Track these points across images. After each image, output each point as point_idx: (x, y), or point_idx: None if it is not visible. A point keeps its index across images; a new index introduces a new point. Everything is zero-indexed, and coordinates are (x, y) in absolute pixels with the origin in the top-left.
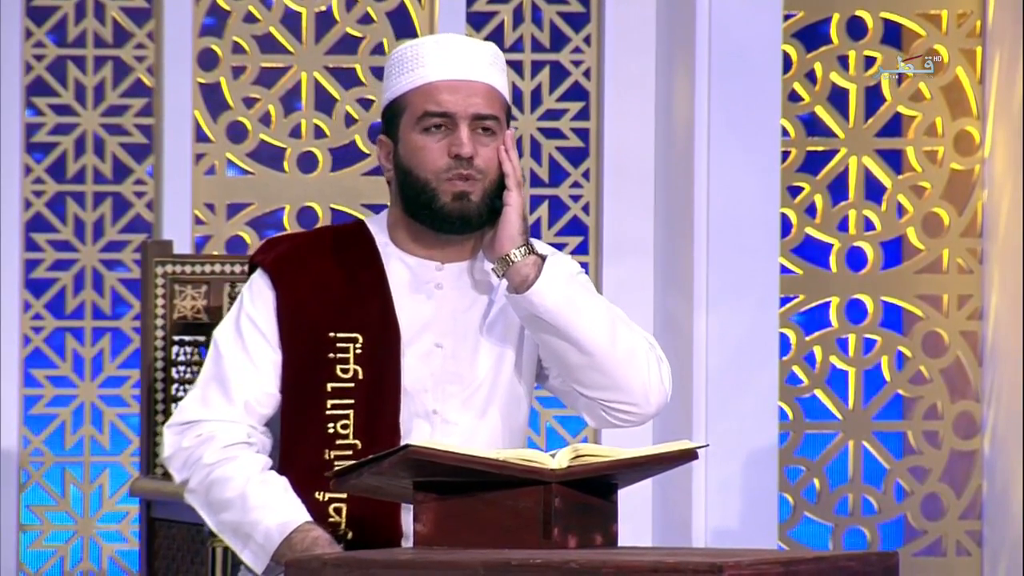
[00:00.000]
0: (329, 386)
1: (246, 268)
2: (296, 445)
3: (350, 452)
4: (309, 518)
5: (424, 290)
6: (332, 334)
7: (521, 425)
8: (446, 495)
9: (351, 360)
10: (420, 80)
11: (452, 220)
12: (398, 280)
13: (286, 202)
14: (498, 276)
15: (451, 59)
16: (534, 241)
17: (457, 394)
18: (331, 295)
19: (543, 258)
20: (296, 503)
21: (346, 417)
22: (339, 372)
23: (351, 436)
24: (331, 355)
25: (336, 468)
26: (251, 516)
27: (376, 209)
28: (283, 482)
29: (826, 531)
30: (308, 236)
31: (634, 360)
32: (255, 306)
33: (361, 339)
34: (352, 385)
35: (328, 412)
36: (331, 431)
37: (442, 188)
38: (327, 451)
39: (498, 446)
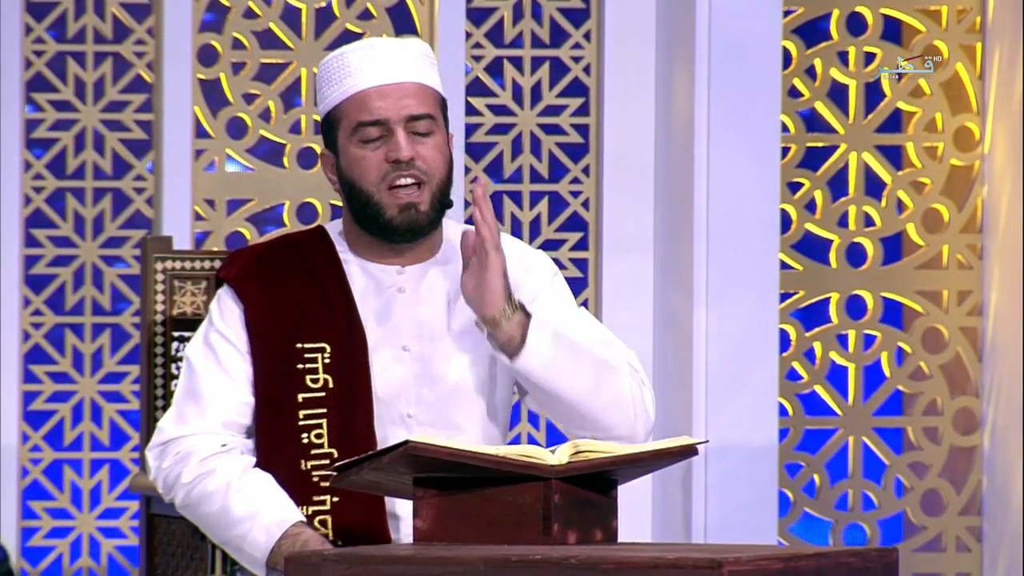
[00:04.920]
0: (300, 397)
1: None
2: (272, 458)
3: (327, 461)
4: (298, 518)
5: (386, 294)
6: (299, 345)
7: (501, 422)
8: (446, 491)
9: (320, 370)
10: (350, 89)
11: (401, 232)
12: (360, 286)
13: (286, 198)
14: (481, 331)
15: (378, 64)
16: (518, 283)
17: (429, 396)
18: (296, 306)
19: (528, 315)
20: (281, 503)
21: (320, 427)
22: (309, 382)
23: (326, 445)
24: (300, 366)
25: (317, 490)
26: (237, 530)
27: None
28: (266, 481)
29: (826, 527)
30: (271, 246)
31: (619, 403)
32: (224, 320)
33: (328, 348)
34: (323, 395)
35: (301, 423)
36: (305, 441)
37: (385, 201)
38: (303, 462)
39: (480, 444)
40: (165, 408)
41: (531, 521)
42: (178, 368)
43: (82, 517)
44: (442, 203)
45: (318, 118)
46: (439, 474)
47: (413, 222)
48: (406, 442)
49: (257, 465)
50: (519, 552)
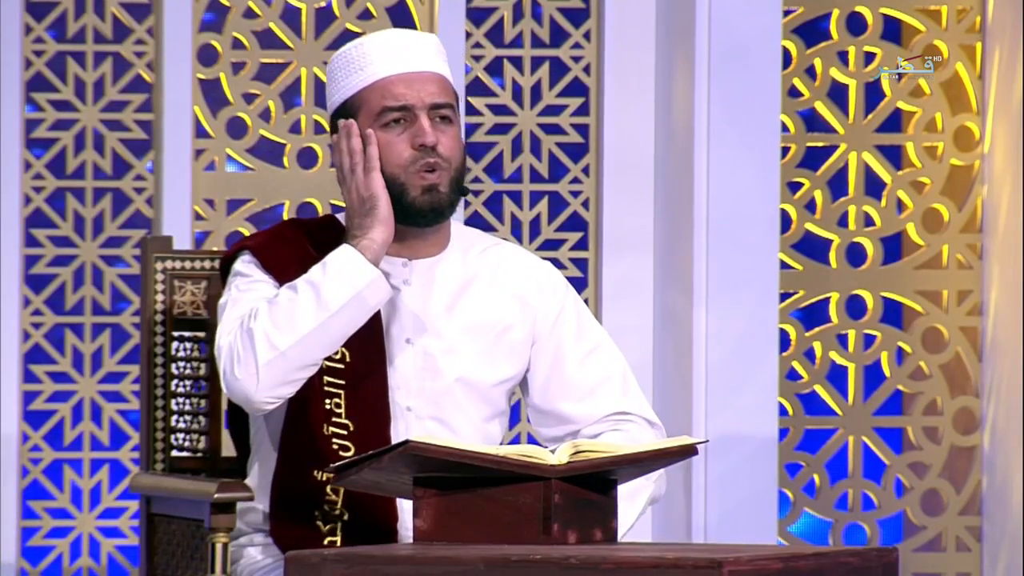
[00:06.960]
0: (323, 363)
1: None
2: (299, 417)
3: (345, 432)
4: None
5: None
6: None
7: (501, 421)
8: (446, 491)
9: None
10: (372, 77)
11: (424, 213)
12: None
13: (286, 198)
14: None
15: (399, 53)
16: (526, 298)
17: (429, 390)
18: None
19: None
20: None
21: (339, 396)
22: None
23: (344, 415)
24: None
25: (335, 458)
26: (326, 274)
27: None
28: None
29: (826, 527)
30: (285, 225)
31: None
32: (253, 276)
33: None
34: (342, 367)
35: (325, 388)
36: (328, 407)
37: (411, 182)
38: (325, 426)
39: (475, 442)
40: (165, 407)
41: (531, 521)
42: (178, 368)
43: (82, 517)
44: (459, 189)
45: (320, 119)
46: (439, 474)
47: (436, 203)
48: (406, 442)
49: (285, 424)
50: (519, 552)
